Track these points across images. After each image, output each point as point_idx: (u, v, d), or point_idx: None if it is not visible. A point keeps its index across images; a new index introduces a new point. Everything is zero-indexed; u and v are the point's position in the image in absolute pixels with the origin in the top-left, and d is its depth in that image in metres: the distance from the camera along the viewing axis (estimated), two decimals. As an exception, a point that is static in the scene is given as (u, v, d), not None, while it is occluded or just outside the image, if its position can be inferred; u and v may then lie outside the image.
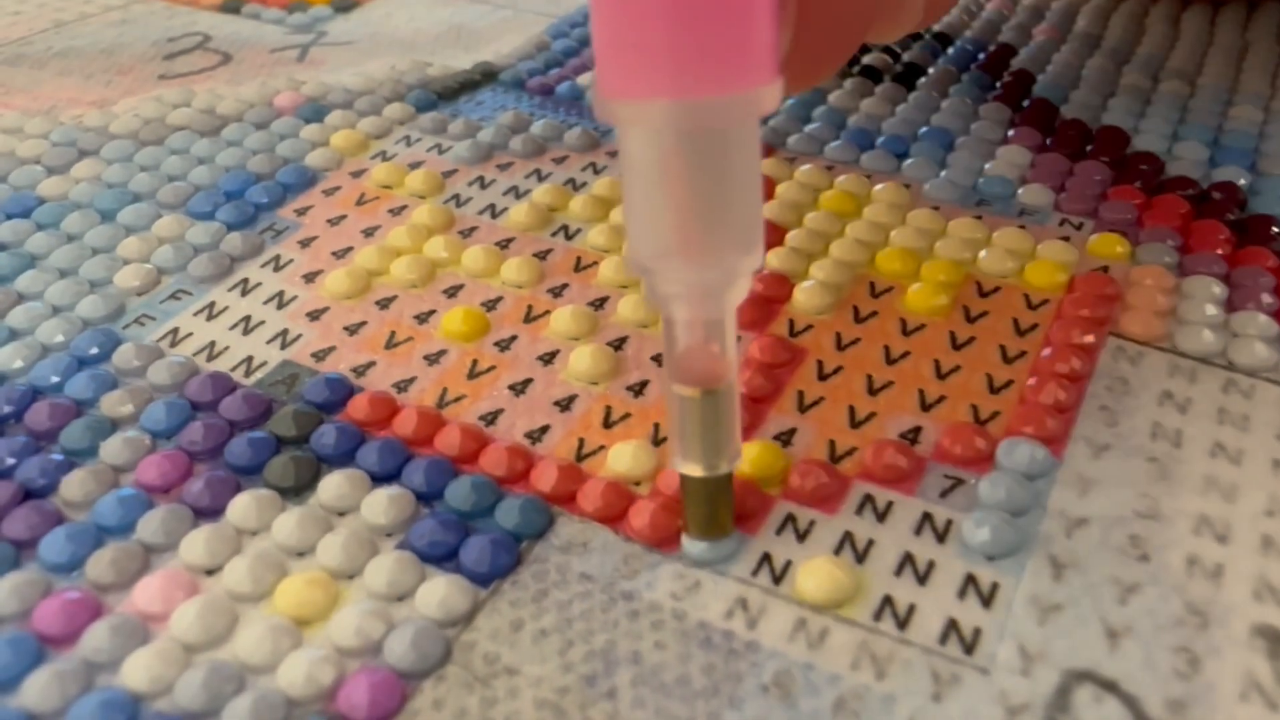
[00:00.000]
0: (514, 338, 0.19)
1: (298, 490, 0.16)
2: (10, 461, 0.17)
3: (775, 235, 0.22)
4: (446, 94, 0.28)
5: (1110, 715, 0.13)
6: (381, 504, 0.16)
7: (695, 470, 0.15)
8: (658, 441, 0.17)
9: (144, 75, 0.29)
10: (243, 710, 0.13)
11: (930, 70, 0.29)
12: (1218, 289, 0.20)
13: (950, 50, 0.30)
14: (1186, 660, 0.14)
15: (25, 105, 0.27)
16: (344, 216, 0.23)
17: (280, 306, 0.20)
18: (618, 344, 0.19)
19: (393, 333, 0.19)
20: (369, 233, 0.22)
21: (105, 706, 0.13)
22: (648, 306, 0.19)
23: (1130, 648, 0.14)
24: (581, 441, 0.17)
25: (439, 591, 0.14)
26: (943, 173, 0.24)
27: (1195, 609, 0.15)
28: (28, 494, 0.16)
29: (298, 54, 0.30)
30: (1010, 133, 0.26)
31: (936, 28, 0.31)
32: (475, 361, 0.19)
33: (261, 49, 0.31)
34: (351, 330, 0.19)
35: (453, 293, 0.20)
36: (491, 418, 0.18)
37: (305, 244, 0.22)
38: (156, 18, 0.33)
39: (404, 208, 0.23)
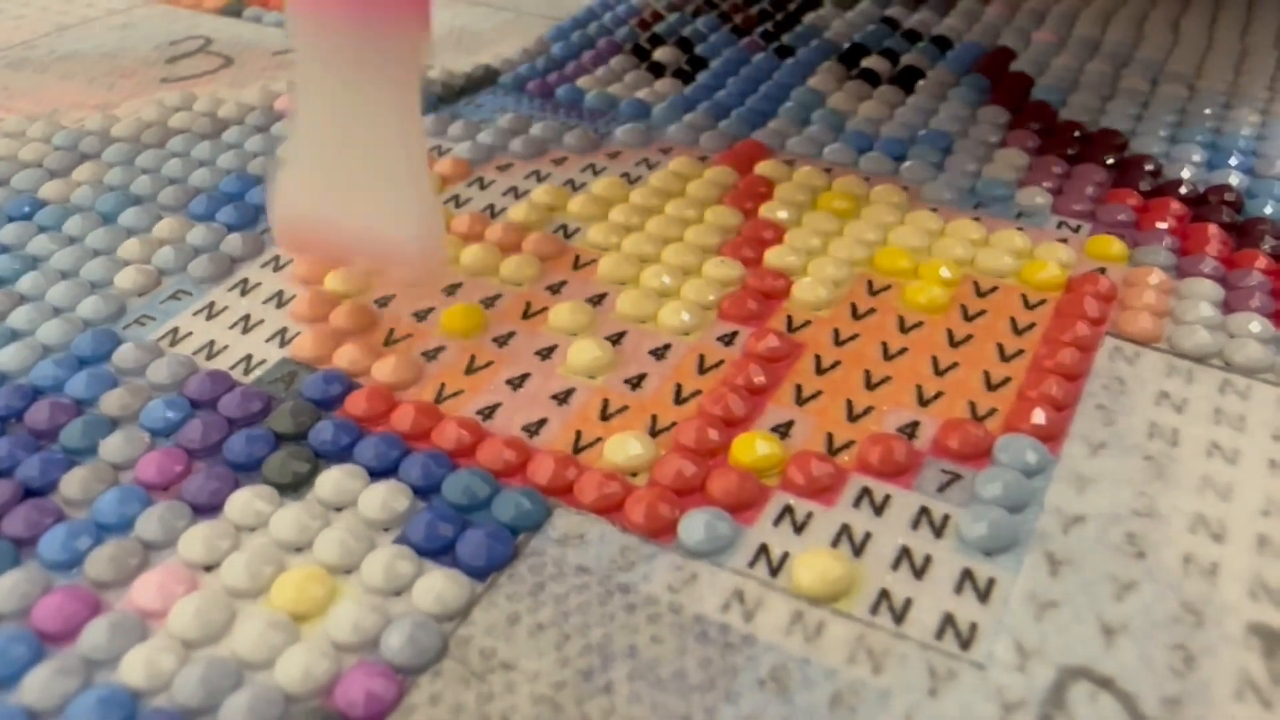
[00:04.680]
0: (512, 334, 0.19)
1: (295, 486, 0.16)
2: (11, 460, 0.17)
3: (775, 233, 0.22)
4: (447, 96, 0.28)
5: (1106, 712, 0.13)
6: (379, 498, 0.16)
7: None
8: (655, 433, 0.17)
9: (146, 78, 0.29)
10: (240, 706, 0.13)
11: (929, 73, 0.29)
12: (1214, 290, 0.20)
13: (949, 53, 0.30)
14: (1182, 658, 0.14)
15: (28, 109, 0.27)
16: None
17: (280, 306, 0.20)
18: (616, 338, 0.19)
19: (391, 330, 0.19)
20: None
21: (104, 703, 0.13)
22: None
23: (1126, 645, 0.14)
24: (579, 434, 0.17)
25: (436, 585, 0.14)
26: (940, 175, 0.24)
27: (1191, 607, 0.15)
28: (28, 492, 0.16)
29: (299, 59, 0.30)
30: (1008, 135, 0.26)
31: (936, 30, 0.31)
32: (474, 357, 0.19)
33: (263, 52, 0.31)
34: (350, 328, 0.19)
35: (451, 290, 0.20)
36: (489, 412, 0.18)
37: (305, 245, 0.22)
38: (159, 21, 0.33)
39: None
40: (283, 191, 0.18)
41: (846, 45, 0.31)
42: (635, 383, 0.18)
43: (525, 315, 0.20)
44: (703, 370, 0.18)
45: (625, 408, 0.18)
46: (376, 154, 0.18)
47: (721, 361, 0.19)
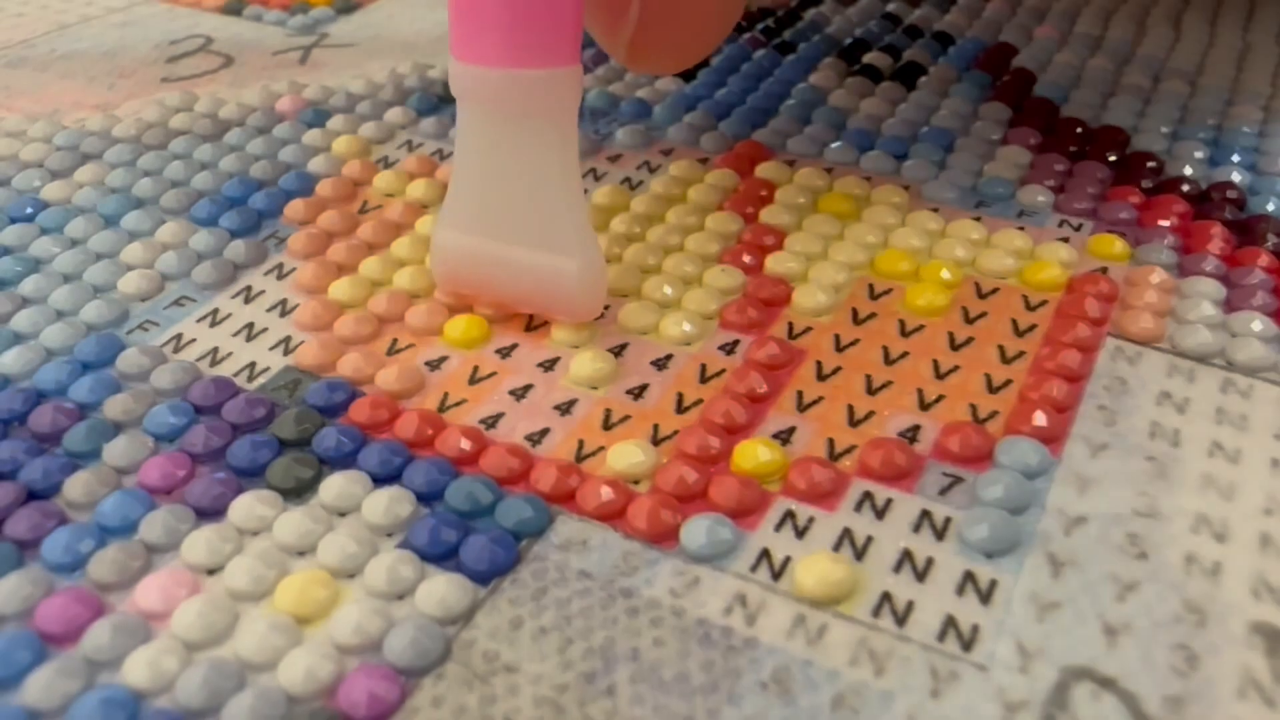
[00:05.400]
0: (515, 345, 0.19)
1: (299, 491, 0.16)
2: (14, 463, 0.17)
3: (775, 239, 0.22)
4: (449, 97, 0.28)
5: (1108, 712, 0.13)
6: (382, 504, 0.16)
7: None
8: (657, 441, 0.17)
9: (146, 78, 0.29)
10: (243, 707, 0.13)
11: (930, 70, 0.29)
12: (1216, 289, 0.20)
13: (950, 49, 0.30)
14: (1185, 658, 0.14)
15: (28, 108, 0.27)
16: (347, 226, 0.23)
17: (283, 314, 0.20)
18: (618, 350, 0.19)
19: (395, 340, 0.19)
20: (372, 243, 0.22)
21: (106, 704, 0.13)
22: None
23: (1128, 645, 0.14)
24: (581, 443, 0.17)
25: (439, 590, 0.15)
26: (942, 174, 0.24)
27: (1193, 607, 0.15)
28: (30, 495, 0.16)
29: (300, 56, 0.30)
30: (1009, 132, 0.26)
31: (937, 26, 0.31)
32: (476, 368, 0.19)
33: (264, 51, 0.31)
34: (354, 337, 0.19)
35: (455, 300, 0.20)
36: (492, 421, 0.18)
37: (308, 253, 0.22)
38: (158, 19, 0.33)
39: (407, 217, 0.23)
40: (442, 234, 0.19)
41: (848, 41, 0.31)
42: (637, 393, 0.18)
43: (528, 328, 0.20)
44: (704, 379, 0.18)
45: (627, 417, 0.18)
46: (537, 192, 0.18)
47: (723, 370, 0.19)
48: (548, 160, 0.18)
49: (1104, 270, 0.21)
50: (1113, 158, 0.25)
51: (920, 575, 0.15)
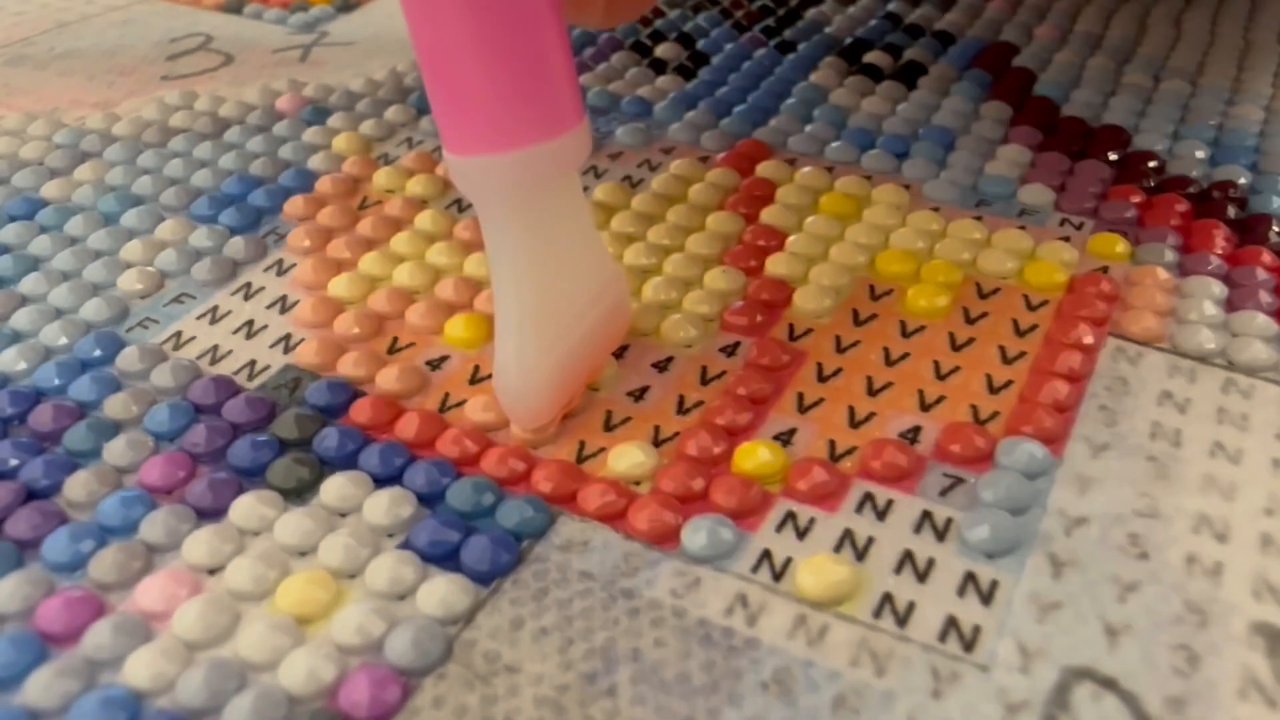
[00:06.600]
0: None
1: (300, 492, 0.16)
2: (14, 462, 0.17)
3: (775, 240, 0.22)
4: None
5: (1109, 713, 0.13)
6: (383, 505, 0.16)
7: None
8: (658, 442, 0.17)
9: (146, 76, 0.29)
10: (244, 708, 0.13)
11: (930, 69, 0.29)
12: (1217, 288, 0.20)
13: (951, 49, 0.30)
14: (1185, 658, 0.14)
15: (28, 107, 0.27)
16: (346, 221, 0.23)
17: (283, 311, 0.20)
18: (619, 352, 0.19)
19: (395, 338, 0.19)
20: (372, 238, 0.22)
21: (107, 704, 0.13)
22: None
23: (1129, 645, 0.14)
24: (582, 444, 0.17)
25: (440, 590, 0.15)
26: (943, 173, 0.24)
27: (1194, 607, 0.15)
28: (31, 494, 0.16)
29: (300, 54, 0.30)
30: (1010, 131, 0.26)
31: (938, 25, 0.31)
32: (477, 368, 0.19)
33: (263, 49, 0.31)
34: (354, 336, 0.19)
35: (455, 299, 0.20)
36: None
37: (308, 249, 0.22)
38: (158, 18, 0.33)
39: (406, 213, 0.23)
40: (524, 378, 0.16)
41: (848, 40, 0.30)
42: (638, 395, 0.18)
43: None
44: (705, 381, 0.18)
45: (628, 419, 0.18)
46: (576, 241, 0.17)
47: (724, 372, 0.19)
48: (577, 206, 0.17)
49: (1105, 270, 0.21)
50: (1114, 157, 0.25)
51: (921, 576, 0.15)
